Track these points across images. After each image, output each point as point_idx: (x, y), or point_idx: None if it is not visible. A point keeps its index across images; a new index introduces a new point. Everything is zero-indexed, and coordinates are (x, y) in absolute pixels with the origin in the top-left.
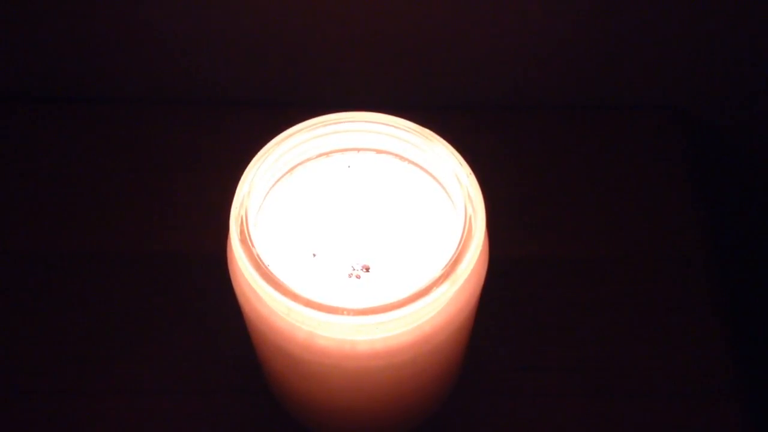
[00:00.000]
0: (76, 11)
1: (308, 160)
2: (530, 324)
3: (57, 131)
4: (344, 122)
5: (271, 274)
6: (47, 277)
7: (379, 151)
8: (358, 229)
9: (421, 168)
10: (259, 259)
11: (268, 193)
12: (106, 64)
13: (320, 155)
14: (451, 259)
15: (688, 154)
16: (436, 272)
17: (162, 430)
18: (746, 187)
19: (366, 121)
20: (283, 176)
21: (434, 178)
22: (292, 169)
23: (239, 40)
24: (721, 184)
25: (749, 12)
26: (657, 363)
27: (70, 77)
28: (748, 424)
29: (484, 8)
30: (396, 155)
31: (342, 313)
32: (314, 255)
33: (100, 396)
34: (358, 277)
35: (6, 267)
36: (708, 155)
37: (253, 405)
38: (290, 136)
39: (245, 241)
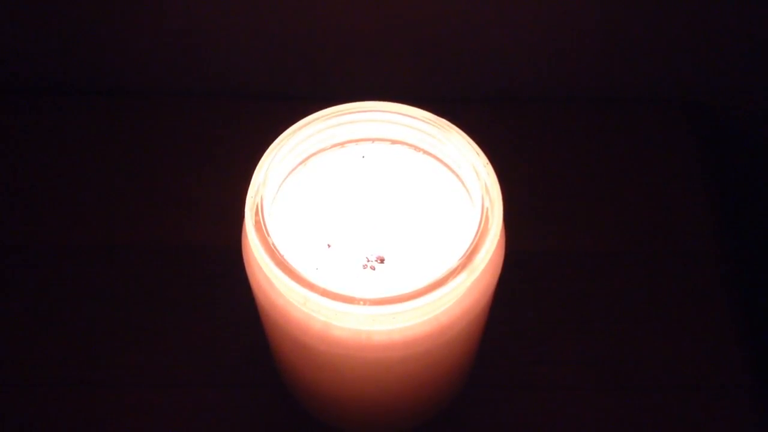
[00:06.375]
0: (92, 3)
1: (323, 150)
2: (543, 317)
3: (72, 124)
4: (359, 112)
5: (287, 263)
6: (61, 269)
7: (393, 142)
8: (372, 220)
9: (436, 158)
10: (275, 248)
11: (282, 183)
12: (120, 57)
13: (335, 145)
14: (468, 250)
15: (702, 147)
16: (454, 262)
17: (174, 422)
18: (758, 180)
19: (381, 111)
20: (297, 166)
21: (449, 168)
22: (306, 159)
23: (254, 33)
24: (734, 176)
25: (762, 3)
26: (670, 356)
27: (83, 69)
28: (762, 418)
29: (499, 0)
30: (411, 146)
31: (359, 303)
32: (329, 246)
33: (111, 388)
34: (372, 268)
35: (21, 260)
36: (720, 148)
37: (265, 397)
38: (305, 126)
39: (260, 230)
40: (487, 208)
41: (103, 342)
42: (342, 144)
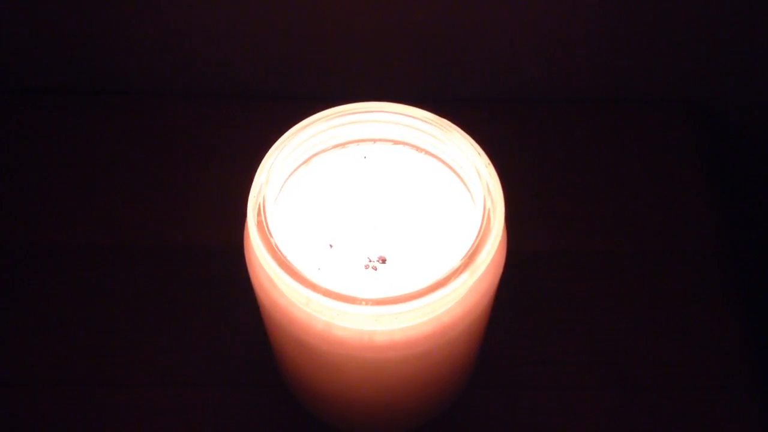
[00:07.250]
0: (92, 3)
1: (324, 150)
2: (545, 317)
3: (72, 124)
4: (361, 112)
5: (289, 263)
6: (61, 269)
7: (395, 142)
8: (374, 220)
9: (438, 158)
10: (277, 248)
11: (284, 183)
12: (120, 57)
13: (336, 146)
14: (470, 250)
15: (705, 147)
16: (456, 262)
17: (175, 422)
18: (759, 180)
19: (382, 111)
20: (299, 167)
21: (451, 168)
22: (308, 159)
23: (255, 33)
24: (734, 176)
25: (762, 3)
26: (673, 356)
27: (84, 69)
28: (762, 418)
29: (499, 1)
30: (412, 146)
31: (361, 303)
32: (331, 246)
33: (111, 388)
34: (374, 268)
35: (21, 260)
36: (723, 148)
37: (267, 397)
38: (307, 126)
39: (263, 229)
40: (489, 209)
41: (103, 342)
42: (344, 144)
